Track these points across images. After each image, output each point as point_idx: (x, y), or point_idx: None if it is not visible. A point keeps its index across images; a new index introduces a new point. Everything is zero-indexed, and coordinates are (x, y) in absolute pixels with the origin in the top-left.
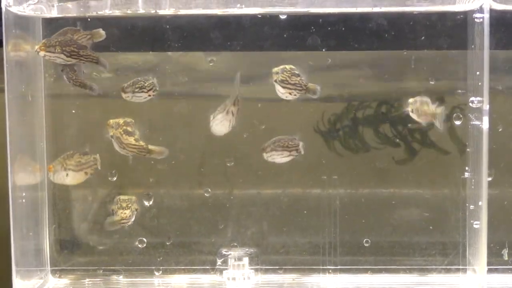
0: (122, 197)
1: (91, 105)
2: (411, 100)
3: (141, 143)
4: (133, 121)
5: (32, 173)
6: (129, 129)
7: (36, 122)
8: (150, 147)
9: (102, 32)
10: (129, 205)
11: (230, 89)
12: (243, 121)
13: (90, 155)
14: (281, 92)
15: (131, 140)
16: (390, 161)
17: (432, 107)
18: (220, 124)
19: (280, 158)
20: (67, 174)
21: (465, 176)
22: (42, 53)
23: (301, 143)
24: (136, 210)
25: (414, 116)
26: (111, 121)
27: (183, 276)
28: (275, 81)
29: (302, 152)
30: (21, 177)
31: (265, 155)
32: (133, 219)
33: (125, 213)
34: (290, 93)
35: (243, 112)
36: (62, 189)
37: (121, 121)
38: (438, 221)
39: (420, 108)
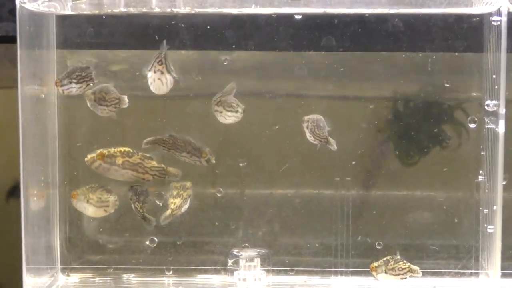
0: (174, 184)
1: None
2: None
3: (162, 165)
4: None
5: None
6: (147, 154)
7: (49, 119)
8: (168, 168)
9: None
10: (180, 193)
11: (243, 88)
12: (256, 121)
13: (110, 195)
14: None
15: (153, 163)
16: (403, 163)
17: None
18: (153, 84)
19: (309, 137)
20: (88, 207)
21: (479, 180)
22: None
23: (329, 139)
24: (189, 196)
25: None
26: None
27: (194, 276)
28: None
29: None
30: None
31: (303, 124)
32: (186, 207)
33: (174, 202)
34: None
35: (256, 112)
36: (73, 187)
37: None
38: (452, 225)
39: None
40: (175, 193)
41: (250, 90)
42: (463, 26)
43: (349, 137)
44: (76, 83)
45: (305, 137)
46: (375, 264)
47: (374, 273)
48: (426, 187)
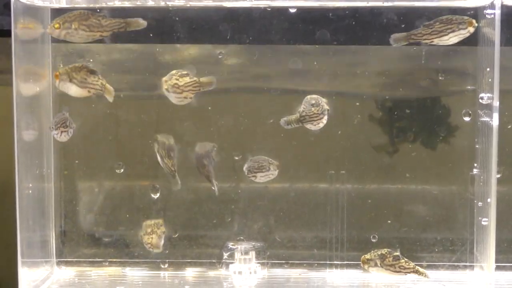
0: (148, 222)
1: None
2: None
3: (195, 78)
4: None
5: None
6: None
7: (44, 113)
8: (201, 79)
9: (141, 21)
10: (154, 230)
11: (237, 81)
12: (250, 115)
13: (97, 77)
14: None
15: (187, 79)
16: (398, 157)
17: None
18: None
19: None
20: (70, 87)
21: (473, 173)
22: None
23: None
24: (164, 233)
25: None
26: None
27: (190, 269)
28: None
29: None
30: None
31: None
32: (162, 243)
33: (151, 238)
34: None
35: (250, 105)
36: (68, 180)
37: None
38: (446, 218)
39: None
40: (149, 230)
41: (245, 83)
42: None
43: (343, 130)
44: (55, 129)
45: (300, 130)
46: (367, 256)
47: (365, 265)
48: (420, 180)
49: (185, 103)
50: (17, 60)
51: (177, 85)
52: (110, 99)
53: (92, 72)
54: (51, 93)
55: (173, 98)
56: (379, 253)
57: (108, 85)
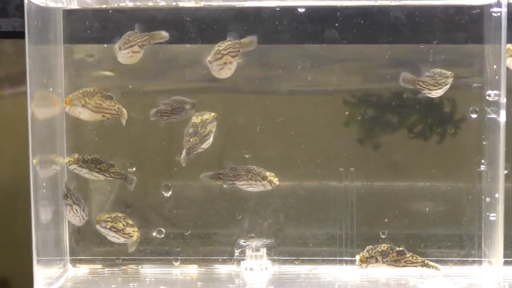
0: (194, 119)
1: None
2: None
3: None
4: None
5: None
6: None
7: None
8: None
9: (164, 34)
10: (199, 130)
11: (248, 80)
12: (260, 113)
13: (113, 102)
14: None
15: (228, 43)
16: (407, 154)
17: None
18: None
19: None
20: (83, 112)
21: (481, 169)
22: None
23: None
24: (211, 132)
25: None
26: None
27: (201, 266)
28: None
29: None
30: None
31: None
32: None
33: (189, 140)
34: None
35: (260, 104)
36: (81, 179)
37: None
38: (454, 214)
39: None
40: (191, 131)
41: (255, 82)
42: (464, 18)
43: (352, 127)
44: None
45: (308, 127)
46: (366, 255)
47: (364, 264)
48: (429, 177)
49: (226, 74)
50: (31, 61)
51: (218, 50)
52: (124, 122)
53: (108, 98)
54: (63, 91)
55: (215, 67)
56: (379, 250)
57: (123, 109)
